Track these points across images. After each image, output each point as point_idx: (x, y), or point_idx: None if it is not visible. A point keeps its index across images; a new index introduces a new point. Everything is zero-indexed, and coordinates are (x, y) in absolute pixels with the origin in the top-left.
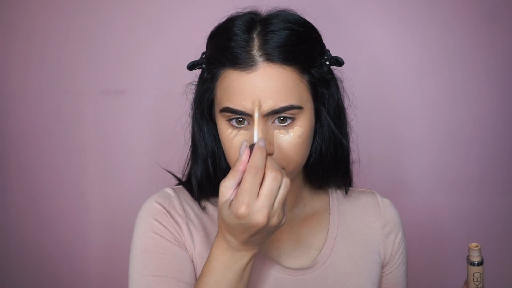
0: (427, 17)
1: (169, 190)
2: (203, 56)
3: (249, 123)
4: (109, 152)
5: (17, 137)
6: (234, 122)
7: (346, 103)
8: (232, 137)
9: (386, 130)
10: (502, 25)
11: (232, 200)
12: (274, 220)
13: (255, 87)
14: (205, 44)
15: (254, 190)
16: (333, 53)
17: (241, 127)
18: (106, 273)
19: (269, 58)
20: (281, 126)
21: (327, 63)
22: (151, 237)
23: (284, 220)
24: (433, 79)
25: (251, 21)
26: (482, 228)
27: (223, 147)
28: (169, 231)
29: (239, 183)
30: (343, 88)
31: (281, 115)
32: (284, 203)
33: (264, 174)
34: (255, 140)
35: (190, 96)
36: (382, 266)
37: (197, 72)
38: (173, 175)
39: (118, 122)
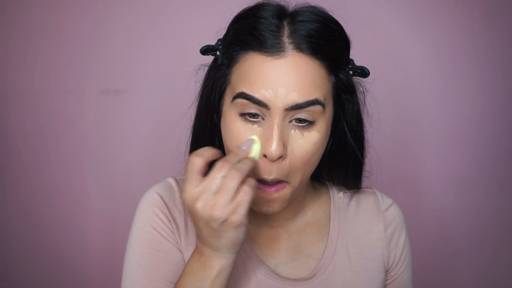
0: (433, 16)
1: (171, 181)
2: (219, 42)
3: (263, 119)
4: (109, 151)
5: (17, 137)
6: (247, 116)
7: (364, 112)
8: (242, 133)
9: (393, 130)
10: (509, 26)
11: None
12: (202, 208)
13: (281, 76)
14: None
15: (204, 181)
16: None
17: (254, 121)
18: (107, 272)
19: (299, 47)
20: (298, 126)
21: (351, 72)
22: (147, 231)
23: (236, 222)
24: (440, 80)
25: (282, 9)
26: (489, 228)
27: (226, 142)
28: (167, 227)
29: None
30: (364, 100)
31: (301, 115)
32: (242, 206)
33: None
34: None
35: (196, 87)
36: (386, 271)
37: (200, 72)
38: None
39: (118, 122)
